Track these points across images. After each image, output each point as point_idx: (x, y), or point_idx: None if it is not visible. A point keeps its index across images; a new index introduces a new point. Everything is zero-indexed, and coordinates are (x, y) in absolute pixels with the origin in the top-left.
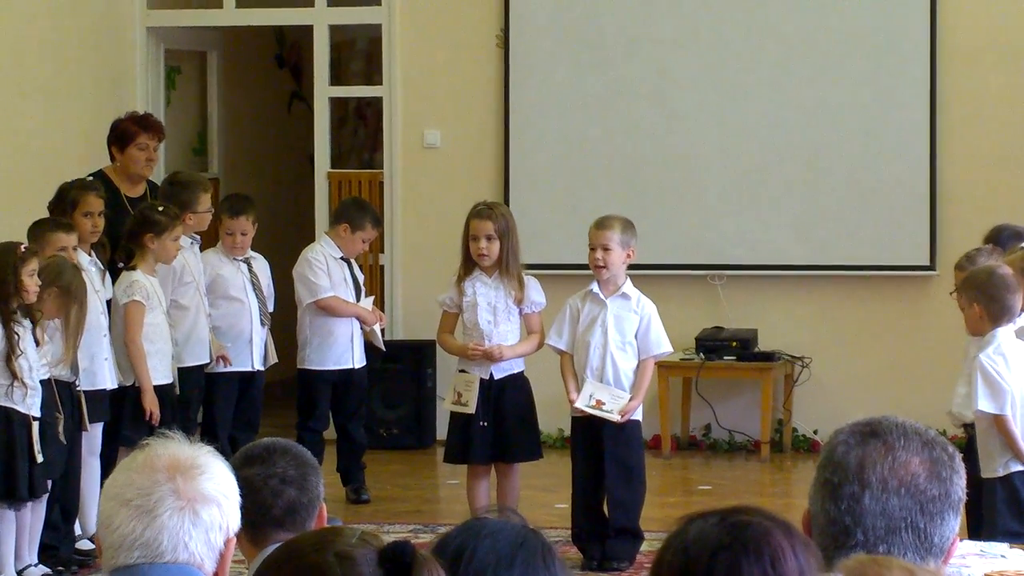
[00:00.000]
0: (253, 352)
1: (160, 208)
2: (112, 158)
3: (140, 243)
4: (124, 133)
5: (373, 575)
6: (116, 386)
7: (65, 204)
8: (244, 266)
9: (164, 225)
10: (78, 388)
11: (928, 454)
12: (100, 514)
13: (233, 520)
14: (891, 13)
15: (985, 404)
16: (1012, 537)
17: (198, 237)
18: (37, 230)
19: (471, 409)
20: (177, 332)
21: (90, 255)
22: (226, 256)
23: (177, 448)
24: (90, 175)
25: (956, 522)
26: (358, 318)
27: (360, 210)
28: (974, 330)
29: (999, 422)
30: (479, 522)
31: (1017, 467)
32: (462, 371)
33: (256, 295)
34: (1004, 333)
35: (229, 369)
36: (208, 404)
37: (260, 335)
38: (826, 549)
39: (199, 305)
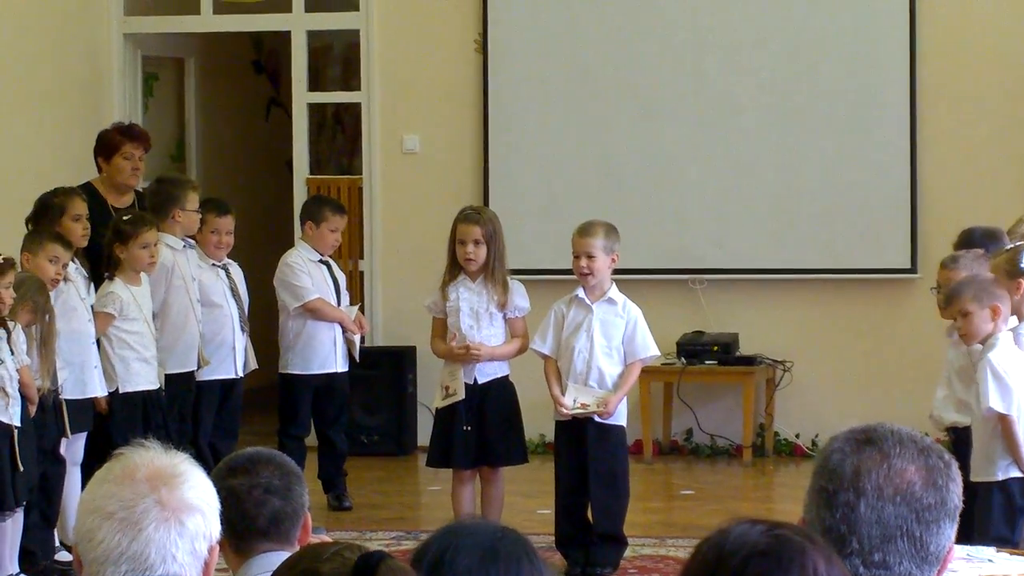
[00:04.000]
0: (236, 359)
1: (126, 216)
2: (99, 169)
3: (113, 253)
4: (109, 143)
5: None
6: (107, 394)
7: (52, 212)
8: (223, 272)
9: (128, 233)
10: (60, 396)
11: (924, 461)
12: (79, 528)
13: (215, 527)
14: (871, 17)
15: (996, 403)
16: (1002, 543)
17: (191, 240)
18: (35, 237)
19: (461, 395)
20: (163, 337)
21: (74, 263)
22: (204, 262)
23: (155, 457)
24: (78, 187)
25: (952, 530)
26: (341, 323)
27: (317, 203)
28: (976, 334)
29: (1005, 423)
30: (456, 525)
31: (1015, 473)
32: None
33: (235, 301)
34: (1005, 336)
35: (212, 377)
36: (191, 412)
37: (241, 341)
38: None
39: (188, 310)
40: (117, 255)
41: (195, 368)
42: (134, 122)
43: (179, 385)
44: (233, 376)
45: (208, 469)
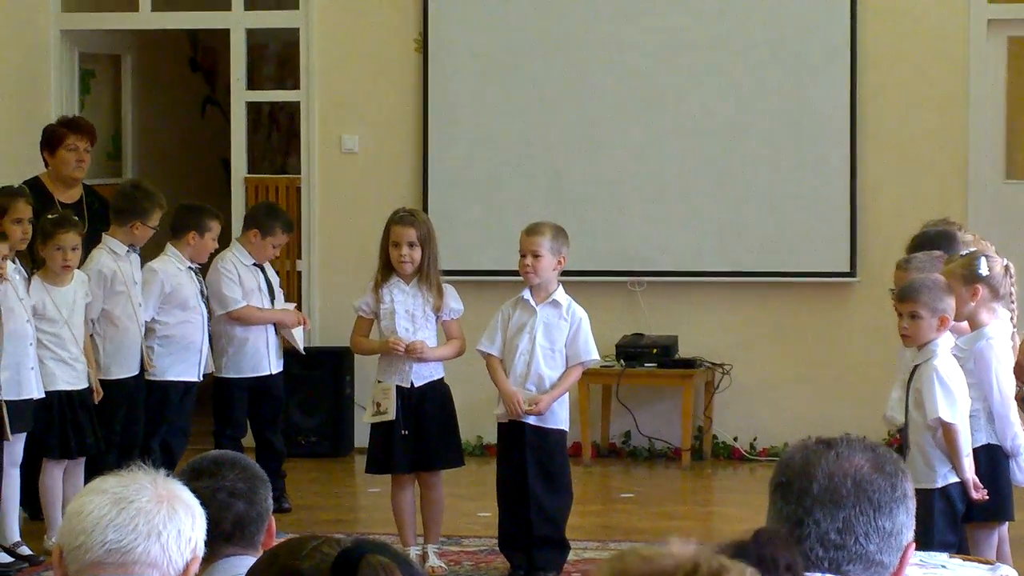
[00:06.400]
0: (201, 362)
1: (51, 216)
2: (45, 164)
3: (37, 251)
4: (53, 136)
5: None
6: (43, 395)
7: None
8: (194, 275)
9: (46, 233)
10: (0, 397)
11: (872, 453)
12: (69, 510)
13: (200, 540)
14: (812, 20)
15: (945, 412)
16: (948, 548)
17: (136, 247)
18: None
19: (391, 416)
20: (105, 343)
21: (15, 263)
22: (181, 264)
23: (154, 472)
24: (24, 182)
25: (909, 519)
26: (276, 323)
27: (270, 215)
28: (920, 339)
29: (949, 432)
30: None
31: (955, 479)
32: (379, 381)
33: (204, 304)
34: (944, 342)
35: (178, 379)
36: (157, 413)
37: (206, 344)
38: None
39: (130, 315)
40: (40, 254)
41: (135, 374)
42: (80, 115)
43: (123, 389)
44: (196, 380)
45: (161, 467)
